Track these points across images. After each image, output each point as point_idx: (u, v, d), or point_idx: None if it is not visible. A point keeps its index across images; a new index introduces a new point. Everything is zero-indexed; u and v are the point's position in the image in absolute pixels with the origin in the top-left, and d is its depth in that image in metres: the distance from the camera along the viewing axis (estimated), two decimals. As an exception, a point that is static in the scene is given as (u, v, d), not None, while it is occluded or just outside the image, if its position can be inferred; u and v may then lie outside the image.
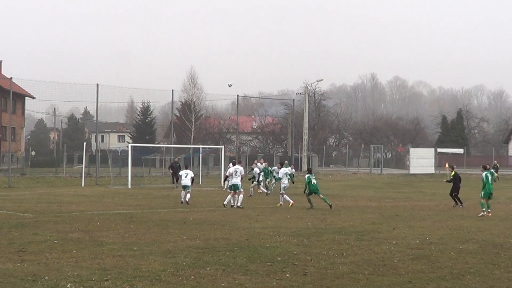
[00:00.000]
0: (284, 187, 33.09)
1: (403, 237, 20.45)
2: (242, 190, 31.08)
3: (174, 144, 72.64)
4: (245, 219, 25.81)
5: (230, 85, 64.73)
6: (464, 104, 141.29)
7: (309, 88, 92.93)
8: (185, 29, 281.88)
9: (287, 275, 14.18)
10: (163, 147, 74.75)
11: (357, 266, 15.21)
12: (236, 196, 30.71)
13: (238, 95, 70.29)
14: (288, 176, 34.72)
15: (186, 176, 33.17)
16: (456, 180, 32.28)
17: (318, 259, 16.10)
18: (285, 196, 32.37)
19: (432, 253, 17.19)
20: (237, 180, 30.72)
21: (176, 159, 52.30)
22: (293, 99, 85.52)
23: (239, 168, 31.40)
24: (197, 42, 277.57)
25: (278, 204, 32.15)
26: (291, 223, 24.30)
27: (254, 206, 30.98)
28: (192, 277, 13.85)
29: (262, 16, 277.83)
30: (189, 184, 32.95)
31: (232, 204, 30.63)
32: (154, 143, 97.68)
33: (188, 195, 32.83)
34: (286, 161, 48.69)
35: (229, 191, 31.32)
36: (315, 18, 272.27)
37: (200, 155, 61.17)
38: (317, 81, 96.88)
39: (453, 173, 32.96)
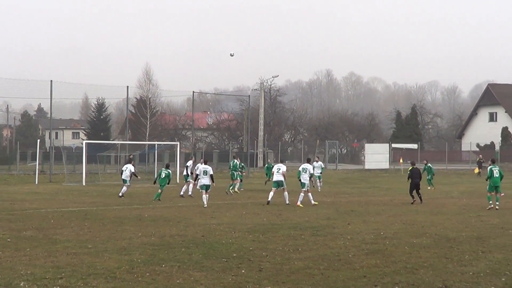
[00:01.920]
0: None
1: (358, 232, 20.59)
2: (210, 189, 30.60)
3: (129, 140, 72.25)
4: (201, 215, 25.78)
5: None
6: (418, 99, 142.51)
7: (264, 84, 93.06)
8: (140, 25, 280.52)
9: (243, 271, 14.20)
10: (118, 143, 74.20)
11: (312, 261, 15.28)
12: (206, 196, 30.12)
13: (193, 92, 70.20)
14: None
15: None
16: (413, 176, 32.17)
17: (273, 255, 16.14)
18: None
19: (387, 248, 17.34)
20: (205, 180, 30.31)
21: (131, 156, 51.90)
22: (249, 95, 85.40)
23: (208, 168, 30.86)
24: (152, 38, 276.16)
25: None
26: (247, 219, 24.33)
27: (210, 203, 30.91)
28: (148, 274, 13.81)
29: (216, 13, 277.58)
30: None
31: (205, 205, 29.52)
32: (109, 140, 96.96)
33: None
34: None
35: (201, 190, 30.77)
36: (270, 14, 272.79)
37: (156, 151, 60.93)
38: (272, 77, 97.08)
39: (410, 168, 32.97)
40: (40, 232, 20.46)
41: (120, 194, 35.09)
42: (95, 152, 59.58)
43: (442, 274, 14.02)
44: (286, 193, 30.80)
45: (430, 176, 44.31)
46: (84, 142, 56.33)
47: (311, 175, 31.07)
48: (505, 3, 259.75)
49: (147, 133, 79.11)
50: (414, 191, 31.72)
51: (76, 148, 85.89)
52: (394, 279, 13.44)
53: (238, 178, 39.83)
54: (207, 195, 30.09)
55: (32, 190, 41.86)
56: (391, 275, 13.82)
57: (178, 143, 60.65)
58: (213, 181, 30.51)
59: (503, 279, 13.55)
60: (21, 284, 12.70)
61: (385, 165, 75.40)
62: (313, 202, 30.20)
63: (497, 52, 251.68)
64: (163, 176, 34.34)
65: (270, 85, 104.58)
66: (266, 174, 44.02)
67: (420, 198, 31.67)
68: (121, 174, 36.87)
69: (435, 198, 35.50)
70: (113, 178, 55.34)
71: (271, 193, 30.80)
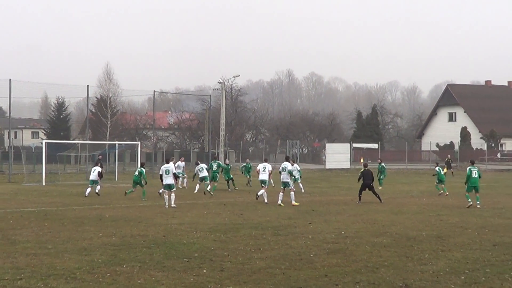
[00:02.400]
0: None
1: (319, 231, 20.66)
2: (175, 189, 30.30)
3: (90, 140, 71.68)
4: (162, 215, 25.69)
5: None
6: (378, 100, 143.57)
7: (226, 84, 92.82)
8: (100, 25, 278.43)
9: (204, 271, 14.18)
10: (78, 143, 73.61)
11: (273, 261, 15.31)
12: (170, 195, 29.61)
13: (154, 91, 69.82)
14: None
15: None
16: (364, 177, 32.38)
17: (235, 255, 16.14)
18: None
19: (348, 247, 17.42)
20: (168, 180, 29.98)
21: (100, 157, 51.46)
22: (210, 95, 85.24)
23: (170, 166, 30.53)
24: (112, 37, 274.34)
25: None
26: (208, 219, 24.29)
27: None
28: (108, 274, 13.73)
29: (177, 13, 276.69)
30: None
31: (166, 205, 29.21)
32: (69, 140, 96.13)
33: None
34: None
35: (164, 190, 30.41)
36: (231, 15, 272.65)
37: (116, 151, 60.56)
38: (234, 77, 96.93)
39: (362, 170, 33.23)
40: (-1, 232, 20.25)
41: (97, 191, 36.65)
42: (55, 152, 58.96)
43: (402, 272, 14.13)
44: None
45: (382, 176, 44.47)
46: (43, 141, 55.83)
47: (290, 173, 30.86)
48: (463, 4, 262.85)
49: (108, 133, 78.51)
50: (371, 192, 32.11)
51: (35, 147, 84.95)
52: (355, 278, 13.51)
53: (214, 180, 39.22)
54: (173, 195, 29.71)
55: (-10, 190, 41.38)
56: (352, 274, 13.89)
57: (139, 142, 60.31)
58: (176, 179, 30.39)
59: (462, 277, 13.68)
60: (-20, 286, 12.56)
61: (346, 164, 75.76)
62: (294, 202, 30.26)
63: (456, 53, 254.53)
64: (137, 173, 34.36)
65: (232, 84, 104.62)
66: (243, 173, 43.70)
67: (379, 198, 31.92)
68: (90, 175, 37.95)
69: (395, 197, 35.78)
70: (74, 178, 54.97)
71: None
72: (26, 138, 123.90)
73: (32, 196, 36.15)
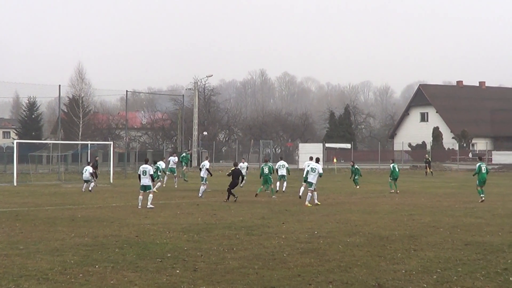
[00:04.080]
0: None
1: (292, 231, 20.69)
2: (151, 190, 29.65)
3: (62, 140, 71.25)
4: (135, 215, 25.60)
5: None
6: (351, 100, 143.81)
7: (198, 83, 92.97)
8: (72, 24, 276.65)
9: (177, 271, 14.15)
10: (50, 143, 73.21)
11: (247, 261, 15.31)
12: (147, 196, 29.20)
13: (127, 91, 69.50)
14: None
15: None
16: (233, 176, 33.35)
17: (208, 255, 16.13)
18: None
19: (321, 247, 17.46)
20: (145, 181, 29.58)
21: (97, 158, 51.20)
22: (183, 95, 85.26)
23: (147, 167, 30.13)
24: (84, 36, 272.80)
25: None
26: (181, 219, 24.25)
27: (144, 203, 30.71)
28: (81, 275, 13.66)
29: (149, 11, 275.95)
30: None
31: (139, 205, 28.90)
32: (41, 139, 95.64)
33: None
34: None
35: (140, 191, 29.72)
36: (202, 14, 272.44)
37: (89, 151, 60.26)
38: (206, 76, 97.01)
39: (232, 168, 34.25)
40: (-31, 233, 20.07)
41: (90, 189, 39.70)
42: (26, 152, 58.66)
43: (375, 272, 14.18)
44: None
45: (357, 176, 44.76)
46: (15, 141, 55.35)
47: (320, 175, 30.87)
48: (435, 5, 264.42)
49: (80, 133, 78.07)
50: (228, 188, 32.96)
51: (6, 147, 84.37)
52: (328, 278, 13.54)
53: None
54: (151, 195, 29.26)
55: (-39, 190, 41.01)
56: (325, 274, 13.93)
57: (112, 142, 60.09)
58: (153, 180, 30.13)
59: (435, 276, 13.76)
60: (-50, 287, 12.44)
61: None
62: (316, 201, 30.46)
63: (427, 53, 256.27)
64: (154, 170, 34.74)
65: (204, 84, 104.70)
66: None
67: (234, 195, 32.59)
68: (82, 175, 41.24)
69: (368, 197, 35.92)
70: (45, 178, 54.63)
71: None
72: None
73: (3, 197, 35.88)
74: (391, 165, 40.14)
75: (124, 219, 24.26)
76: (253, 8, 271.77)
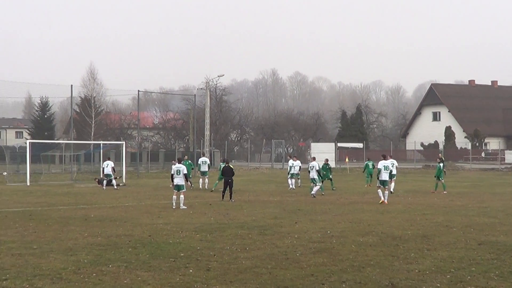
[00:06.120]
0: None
1: (305, 231, 20.67)
2: (184, 190, 29.08)
3: (74, 140, 71.48)
4: (148, 215, 25.64)
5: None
6: (363, 99, 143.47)
7: (210, 83, 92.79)
8: (84, 24, 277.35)
9: (191, 270, 14.16)
10: (62, 143, 73.40)
11: (260, 261, 15.31)
12: (179, 196, 28.81)
13: (139, 91, 69.53)
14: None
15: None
16: (224, 173, 33.50)
17: (221, 254, 16.14)
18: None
19: (334, 246, 17.44)
20: (178, 180, 29.00)
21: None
22: (195, 95, 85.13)
23: (181, 167, 29.97)
24: (96, 36, 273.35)
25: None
26: (194, 219, 24.26)
27: (155, 203, 30.77)
28: (94, 274, 13.69)
29: (161, 11, 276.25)
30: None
31: (174, 206, 28.60)
32: (53, 139, 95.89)
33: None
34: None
35: (174, 190, 29.32)
36: (214, 14, 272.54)
37: (101, 151, 60.40)
38: (218, 76, 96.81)
39: (223, 166, 34.61)
40: (-17, 233, 20.14)
41: (115, 187, 41.56)
42: (39, 152, 58.79)
43: (388, 272, 14.16)
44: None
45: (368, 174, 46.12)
46: (28, 141, 55.52)
47: (392, 175, 31.58)
48: (446, 4, 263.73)
49: (92, 133, 78.36)
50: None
51: (19, 147, 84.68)
52: (341, 278, 13.53)
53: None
54: (182, 196, 28.86)
55: (-26, 190, 41.16)
56: (338, 274, 13.92)
57: (124, 142, 60.15)
58: (187, 180, 29.82)
59: (448, 276, 13.73)
60: (-35, 286, 12.50)
61: (331, 164, 75.72)
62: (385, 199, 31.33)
63: (439, 52, 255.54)
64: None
65: (216, 84, 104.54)
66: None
67: (231, 195, 32.71)
68: (103, 170, 43.49)
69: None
70: (58, 177, 54.77)
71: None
72: (10, 138, 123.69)
73: (16, 196, 35.98)
74: (366, 162, 44.29)
75: (137, 218, 24.31)
76: (265, 7, 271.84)
